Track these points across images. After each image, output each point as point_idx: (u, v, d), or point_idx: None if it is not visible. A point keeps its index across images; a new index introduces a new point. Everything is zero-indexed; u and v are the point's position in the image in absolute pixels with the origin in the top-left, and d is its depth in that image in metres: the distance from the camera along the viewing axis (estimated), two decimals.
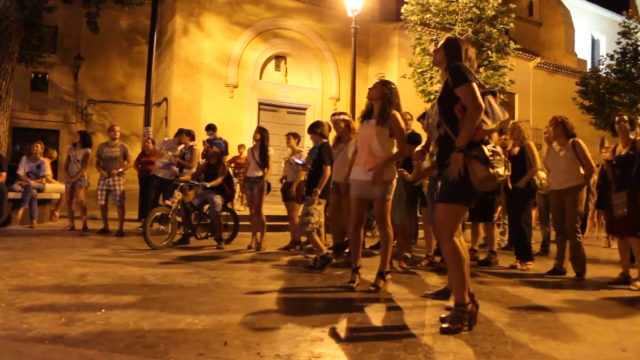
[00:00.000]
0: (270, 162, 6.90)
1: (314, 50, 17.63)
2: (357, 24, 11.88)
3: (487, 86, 3.23)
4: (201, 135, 10.33)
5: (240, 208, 10.49)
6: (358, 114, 4.63)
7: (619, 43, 17.67)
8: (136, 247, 6.47)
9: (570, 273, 5.25)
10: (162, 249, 6.34)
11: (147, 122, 11.25)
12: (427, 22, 13.73)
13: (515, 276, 5.25)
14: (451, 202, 3.08)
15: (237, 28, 16.48)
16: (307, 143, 8.63)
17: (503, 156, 3.08)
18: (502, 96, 14.24)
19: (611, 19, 27.43)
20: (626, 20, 17.53)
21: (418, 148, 4.13)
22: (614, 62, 17.66)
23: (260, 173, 6.80)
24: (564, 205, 5.33)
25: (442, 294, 3.95)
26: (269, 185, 6.97)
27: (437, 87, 12.66)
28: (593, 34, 28.91)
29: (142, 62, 13.66)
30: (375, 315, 3.50)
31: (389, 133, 4.15)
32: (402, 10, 13.95)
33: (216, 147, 8.08)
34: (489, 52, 13.45)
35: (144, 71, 11.98)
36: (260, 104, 16.99)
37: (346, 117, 5.82)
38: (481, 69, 13.37)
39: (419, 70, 13.81)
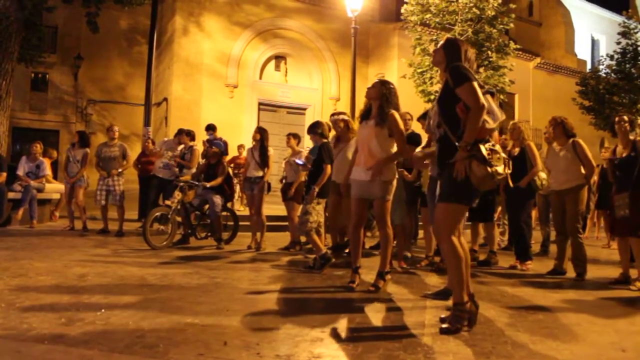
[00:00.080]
0: (270, 162, 6.90)
1: (313, 51, 17.63)
2: (357, 24, 11.88)
3: (486, 86, 3.23)
4: (201, 136, 10.33)
5: (240, 208, 10.49)
6: (358, 114, 4.63)
7: (618, 43, 17.68)
8: (136, 247, 6.47)
9: (570, 273, 5.25)
10: (162, 249, 6.34)
11: (147, 122, 11.25)
12: (427, 22, 13.73)
13: (515, 276, 5.25)
14: (451, 202, 3.08)
15: (237, 28, 16.48)
16: (307, 143, 8.63)
17: (502, 154, 3.07)
18: (502, 96, 14.25)
19: (611, 19, 27.43)
20: (626, 20, 17.54)
21: (418, 149, 4.13)
22: (613, 63, 17.67)
23: (260, 173, 6.80)
24: (564, 206, 5.32)
25: (442, 294, 3.95)
26: (269, 185, 6.97)
27: (437, 87, 12.66)
28: (593, 34, 28.91)
29: (142, 62, 13.66)
30: (375, 315, 3.50)
31: (388, 133, 4.15)
32: (402, 11, 13.95)
33: (216, 147, 8.08)
34: (489, 52, 13.45)
35: (144, 71, 11.98)
36: (260, 104, 16.99)
37: (345, 117, 5.82)
38: (481, 69, 13.37)
39: (419, 71, 13.81)
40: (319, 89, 17.78)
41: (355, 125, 5.50)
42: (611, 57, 17.85)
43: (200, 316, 3.21)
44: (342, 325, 3.18)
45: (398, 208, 5.39)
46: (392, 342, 2.81)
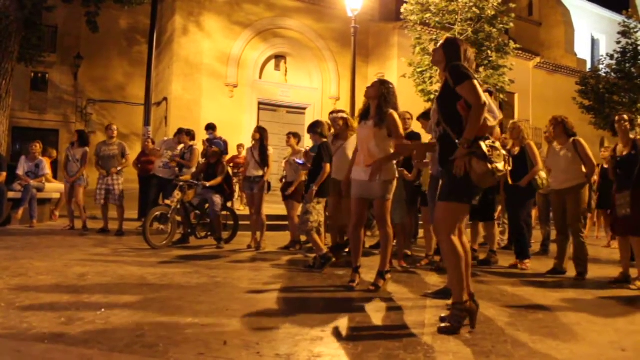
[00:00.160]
0: (270, 161, 6.90)
1: (313, 50, 17.63)
2: (357, 24, 11.87)
3: (485, 86, 3.24)
4: (201, 135, 10.33)
5: (240, 208, 10.49)
6: (358, 113, 4.63)
7: (618, 43, 17.68)
8: (136, 246, 6.47)
9: (570, 272, 5.24)
10: (161, 249, 6.34)
11: (147, 122, 11.25)
12: (427, 21, 13.73)
13: (515, 276, 5.25)
14: (452, 201, 3.08)
15: (237, 28, 16.47)
16: (307, 143, 8.63)
17: (502, 151, 3.07)
18: (502, 96, 14.26)
19: (611, 19, 27.43)
20: (626, 20, 17.55)
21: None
22: (613, 62, 17.68)
23: (260, 172, 6.80)
24: (565, 205, 5.32)
25: (442, 294, 3.94)
26: (269, 184, 6.97)
27: (437, 86, 12.65)
28: (593, 33, 28.91)
29: (142, 61, 13.66)
30: (375, 314, 3.50)
31: (387, 133, 4.15)
32: (402, 10, 13.96)
33: (216, 146, 8.08)
34: (489, 52, 13.46)
35: (144, 71, 11.98)
36: (260, 103, 16.99)
37: (344, 115, 5.82)
38: (481, 69, 13.37)
39: (419, 70, 13.81)
40: (319, 89, 17.78)
41: (355, 123, 5.50)
42: (611, 57, 17.86)
43: (200, 315, 3.21)
44: (342, 324, 3.18)
45: (398, 207, 5.39)
46: (392, 341, 2.81)
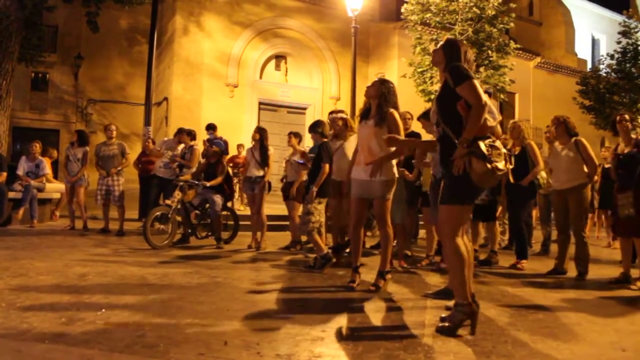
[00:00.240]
0: (270, 161, 6.90)
1: (314, 50, 17.62)
2: (357, 24, 11.87)
3: (485, 86, 3.26)
4: (201, 135, 10.33)
5: (241, 208, 10.49)
6: (358, 113, 4.63)
7: (619, 43, 17.66)
8: (136, 246, 6.47)
9: (571, 273, 5.24)
10: (162, 249, 6.35)
11: (147, 122, 11.25)
12: (427, 21, 13.72)
13: (516, 276, 5.25)
14: (454, 204, 3.07)
15: (237, 28, 16.47)
16: (308, 142, 8.63)
17: (503, 150, 3.06)
18: (502, 96, 14.25)
19: (611, 19, 27.41)
20: (626, 19, 17.53)
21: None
22: (614, 62, 17.66)
23: (261, 172, 6.80)
24: (567, 205, 5.31)
25: (442, 294, 3.94)
26: (269, 184, 6.97)
27: (437, 86, 12.59)
28: (593, 33, 28.89)
29: (142, 61, 13.66)
30: (376, 315, 3.50)
31: (388, 132, 4.14)
32: (402, 10, 13.94)
33: (216, 146, 8.08)
34: (489, 52, 13.44)
35: (144, 71, 11.98)
36: (260, 103, 16.98)
37: (344, 115, 5.83)
38: (481, 69, 13.37)
39: (419, 70, 13.80)
40: (319, 89, 17.77)
41: (354, 124, 5.50)
42: (611, 57, 17.84)
43: (200, 316, 3.21)
44: (343, 324, 3.18)
45: (399, 208, 5.39)
46: (392, 341, 2.80)
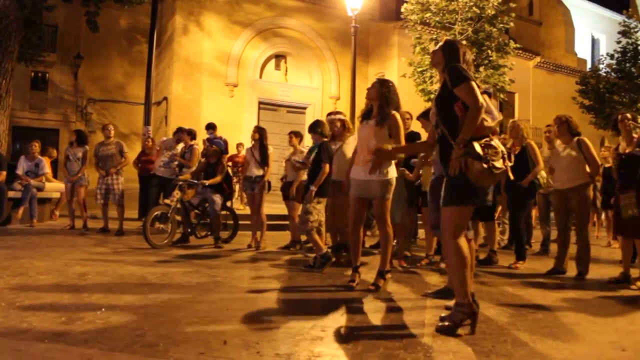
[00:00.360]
0: (269, 160, 6.90)
1: (314, 50, 17.62)
2: (357, 23, 11.87)
3: (485, 86, 3.26)
4: (201, 135, 10.33)
5: (240, 207, 10.49)
6: (358, 113, 4.63)
7: (619, 42, 17.67)
8: (136, 246, 6.47)
9: (571, 272, 5.24)
10: (162, 248, 6.35)
11: (147, 121, 11.24)
12: (427, 21, 13.73)
13: (516, 276, 5.25)
14: (455, 205, 3.07)
15: (237, 27, 16.47)
16: (308, 142, 8.63)
17: (500, 148, 3.05)
18: (502, 95, 14.26)
19: (611, 19, 27.43)
20: (626, 19, 17.54)
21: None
22: (614, 62, 17.67)
23: (260, 172, 6.80)
24: (568, 205, 5.30)
25: (442, 293, 3.94)
26: (269, 184, 6.97)
27: (437, 86, 12.61)
28: (593, 33, 28.90)
29: (142, 61, 13.65)
30: (375, 314, 3.50)
31: (388, 133, 4.15)
32: (402, 10, 13.95)
33: (216, 146, 8.08)
34: (489, 52, 13.45)
35: (144, 70, 11.97)
36: (260, 103, 16.99)
37: (342, 117, 5.83)
38: (481, 68, 13.37)
39: (419, 70, 13.80)
40: (319, 88, 17.78)
41: (351, 125, 5.49)
42: (611, 56, 17.85)
43: (200, 315, 3.21)
44: (342, 324, 3.18)
45: (399, 207, 5.38)
46: (392, 341, 2.81)
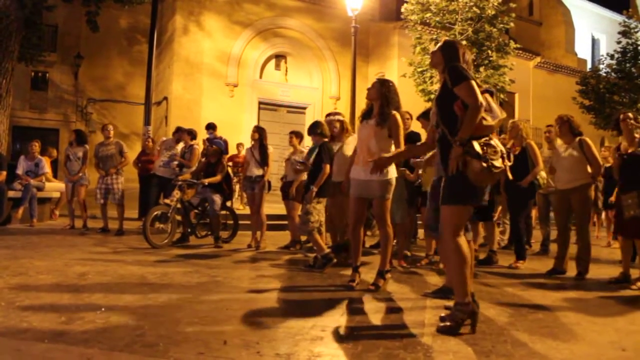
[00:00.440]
0: (269, 160, 6.90)
1: (314, 50, 17.62)
2: (357, 23, 11.86)
3: (485, 85, 3.26)
4: (201, 134, 10.33)
5: (240, 207, 10.49)
6: (358, 113, 4.63)
7: (619, 42, 17.68)
8: (136, 245, 6.48)
9: (570, 272, 5.24)
10: (162, 248, 6.35)
11: (147, 121, 11.25)
12: (427, 21, 13.73)
13: (515, 276, 5.25)
14: (454, 204, 3.07)
15: (237, 27, 16.47)
16: (308, 142, 8.64)
17: (500, 147, 3.05)
18: (502, 95, 14.25)
19: (611, 19, 27.42)
20: (626, 19, 17.54)
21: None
22: (614, 62, 17.67)
23: (260, 172, 6.81)
24: (569, 205, 5.29)
25: (441, 292, 3.95)
26: (269, 183, 6.97)
27: (437, 86, 12.61)
28: (593, 33, 28.89)
29: (142, 61, 13.66)
30: (375, 314, 3.50)
31: (388, 134, 4.15)
32: (402, 10, 13.95)
33: (216, 146, 8.08)
34: (489, 52, 13.45)
35: (144, 70, 11.97)
36: (260, 103, 16.99)
37: (341, 117, 5.83)
38: (481, 69, 13.37)
39: (419, 70, 13.80)
40: (319, 88, 17.77)
41: (356, 124, 5.48)
42: (611, 57, 17.85)
43: (200, 315, 3.21)
44: (342, 324, 3.18)
45: (399, 207, 5.38)
46: (392, 341, 2.81)
